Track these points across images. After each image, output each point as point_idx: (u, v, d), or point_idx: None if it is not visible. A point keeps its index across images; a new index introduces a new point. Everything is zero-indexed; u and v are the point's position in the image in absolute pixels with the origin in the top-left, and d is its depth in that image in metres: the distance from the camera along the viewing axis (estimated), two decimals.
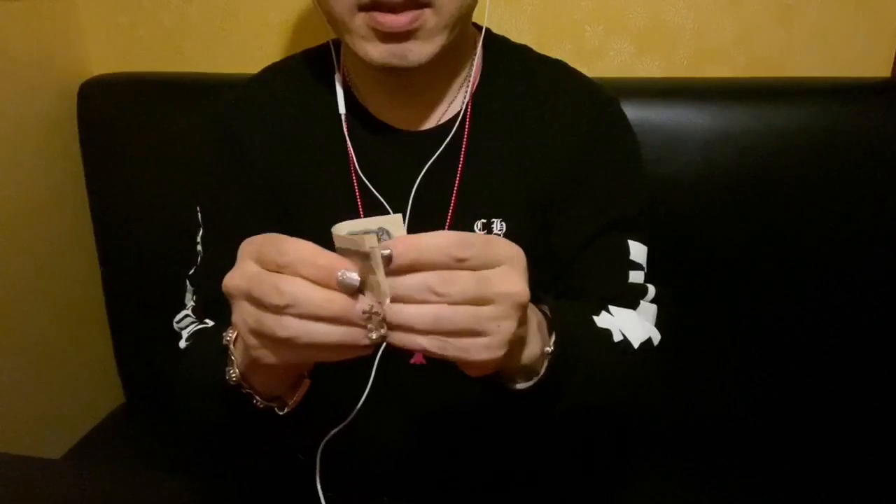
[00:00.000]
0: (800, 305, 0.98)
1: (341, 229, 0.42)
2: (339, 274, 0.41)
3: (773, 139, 0.93)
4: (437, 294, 0.41)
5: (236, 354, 0.53)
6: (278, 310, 0.41)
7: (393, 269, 0.40)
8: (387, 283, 0.41)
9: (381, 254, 0.40)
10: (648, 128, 0.92)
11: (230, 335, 0.53)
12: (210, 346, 0.55)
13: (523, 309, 0.45)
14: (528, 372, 0.53)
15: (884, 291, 0.96)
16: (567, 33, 1.04)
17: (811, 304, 0.98)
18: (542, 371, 0.52)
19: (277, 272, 0.42)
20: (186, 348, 0.69)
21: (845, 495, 0.97)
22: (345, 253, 0.42)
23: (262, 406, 0.54)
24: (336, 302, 0.41)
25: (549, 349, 0.52)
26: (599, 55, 1.04)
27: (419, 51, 0.60)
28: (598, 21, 1.02)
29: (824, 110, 0.93)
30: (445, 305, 0.41)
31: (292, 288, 0.41)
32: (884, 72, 0.99)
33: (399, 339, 0.42)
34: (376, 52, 0.60)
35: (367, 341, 0.42)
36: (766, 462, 1.03)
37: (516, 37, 0.76)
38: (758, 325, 1.00)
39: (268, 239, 0.44)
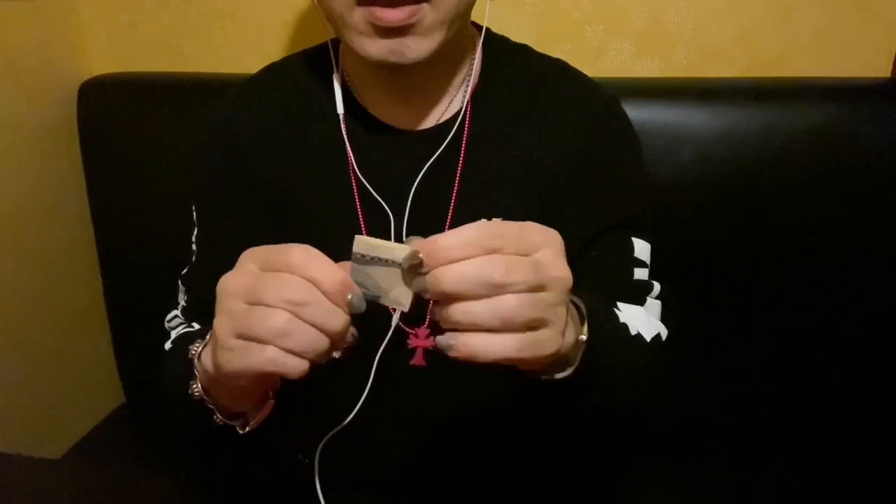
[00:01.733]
0: (800, 305, 0.98)
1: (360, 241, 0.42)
2: (350, 295, 0.41)
3: (773, 139, 0.93)
4: (498, 286, 0.39)
5: (200, 369, 0.53)
6: (284, 305, 0.41)
7: (425, 271, 0.40)
8: (408, 294, 0.42)
9: (415, 257, 0.40)
10: (648, 128, 0.92)
11: (195, 349, 0.53)
12: (188, 353, 0.55)
13: (569, 293, 0.44)
14: (562, 362, 0.51)
15: (884, 291, 0.96)
16: (567, 33, 1.04)
17: (811, 304, 0.98)
18: (577, 360, 0.50)
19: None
20: (169, 351, 0.70)
21: (846, 495, 0.97)
22: (361, 260, 0.42)
23: (220, 423, 0.54)
24: (340, 318, 0.42)
25: (583, 337, 0.50)
26: (599, 55, 1.04)
27: (417, 47, 0.60)
28: (598, 21, 1.02)
29: (824, 110, 0.93)
30: (512, 295, 0.39)
31: (308, 287, 0.41)
32: (884, 72, 0.99)
33: (471, 349, 0.40)
34: (374, 48, 0.60)
35: (328, 358, 0.43)
36: (768, 462, 1.03)
37: (516, 37, 0.76)
38: (758, 325, 0.99)
39: (273, 247, 0.44)
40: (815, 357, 1.00)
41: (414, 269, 0.40)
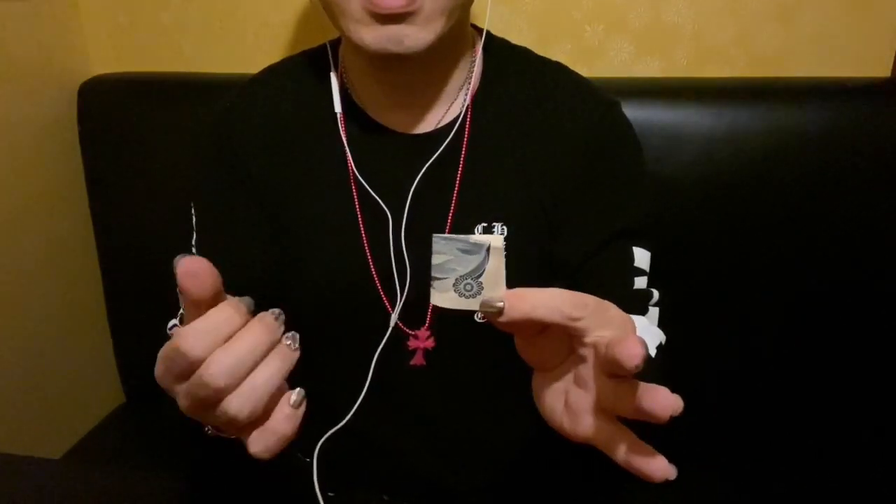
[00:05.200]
0: (800, 305, 0.98)
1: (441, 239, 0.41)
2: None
3: (773, 139, 0.93)
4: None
5: None
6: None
7: (501, 320, 0.39)
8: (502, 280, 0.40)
9: (494, 306, 0.39)
10: (648, 128, 0.92)
11: None
12: None
13: None
14: None
15: (884, 291, 0.96)
16: (567, 33, 1.04)
17: (811, 304, 0.97)
18: None
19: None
20: None
21: (846, 496, 0.97)
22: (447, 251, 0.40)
23: (211, 434, 0.53)
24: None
25: None
26: (599, 55, 1.04)
27: (415, 36, 0.59)
28: (598, 21, 1.02)
29: (824, 110, 0.93)
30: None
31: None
32: (884, 72, 0.99)
33: None
34: (371, 35, 0.59)
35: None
36: (767, 463, 1.03)
37: (516, 36, 0.76)
38: (758, 325, 0.99)
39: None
40: (815, 356, 1.00)
41: (491, 315, 0.40)
